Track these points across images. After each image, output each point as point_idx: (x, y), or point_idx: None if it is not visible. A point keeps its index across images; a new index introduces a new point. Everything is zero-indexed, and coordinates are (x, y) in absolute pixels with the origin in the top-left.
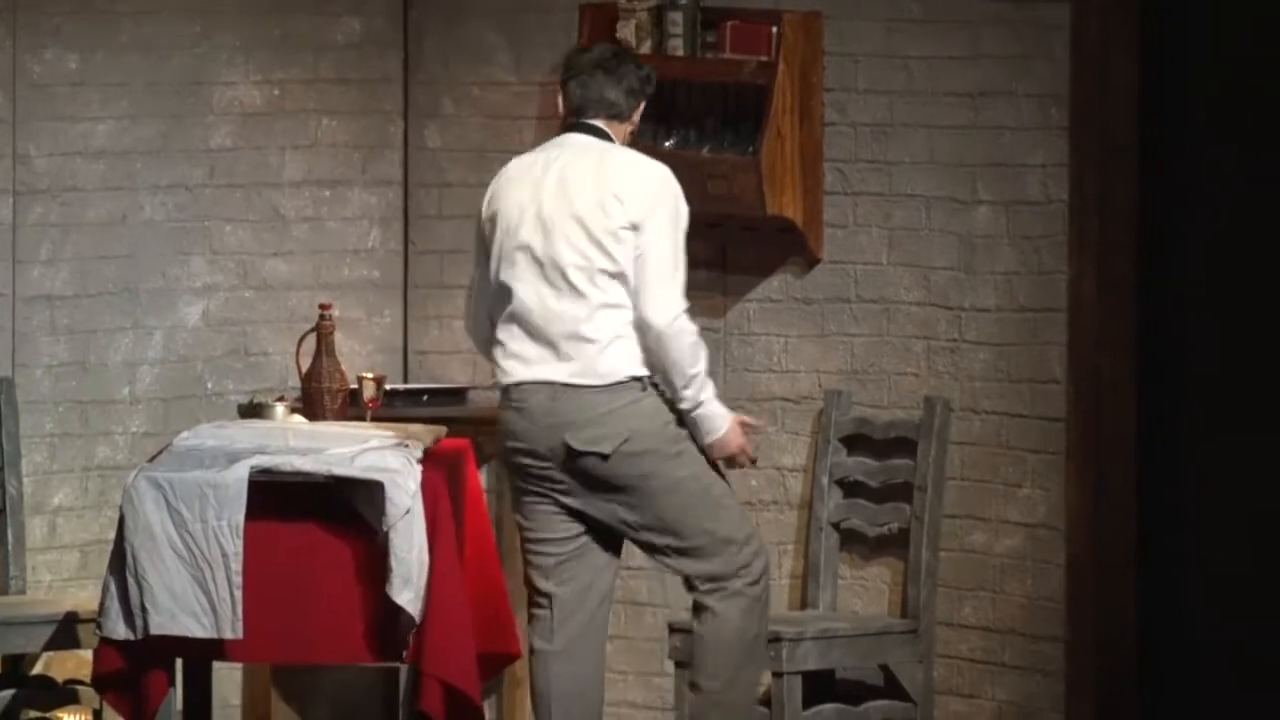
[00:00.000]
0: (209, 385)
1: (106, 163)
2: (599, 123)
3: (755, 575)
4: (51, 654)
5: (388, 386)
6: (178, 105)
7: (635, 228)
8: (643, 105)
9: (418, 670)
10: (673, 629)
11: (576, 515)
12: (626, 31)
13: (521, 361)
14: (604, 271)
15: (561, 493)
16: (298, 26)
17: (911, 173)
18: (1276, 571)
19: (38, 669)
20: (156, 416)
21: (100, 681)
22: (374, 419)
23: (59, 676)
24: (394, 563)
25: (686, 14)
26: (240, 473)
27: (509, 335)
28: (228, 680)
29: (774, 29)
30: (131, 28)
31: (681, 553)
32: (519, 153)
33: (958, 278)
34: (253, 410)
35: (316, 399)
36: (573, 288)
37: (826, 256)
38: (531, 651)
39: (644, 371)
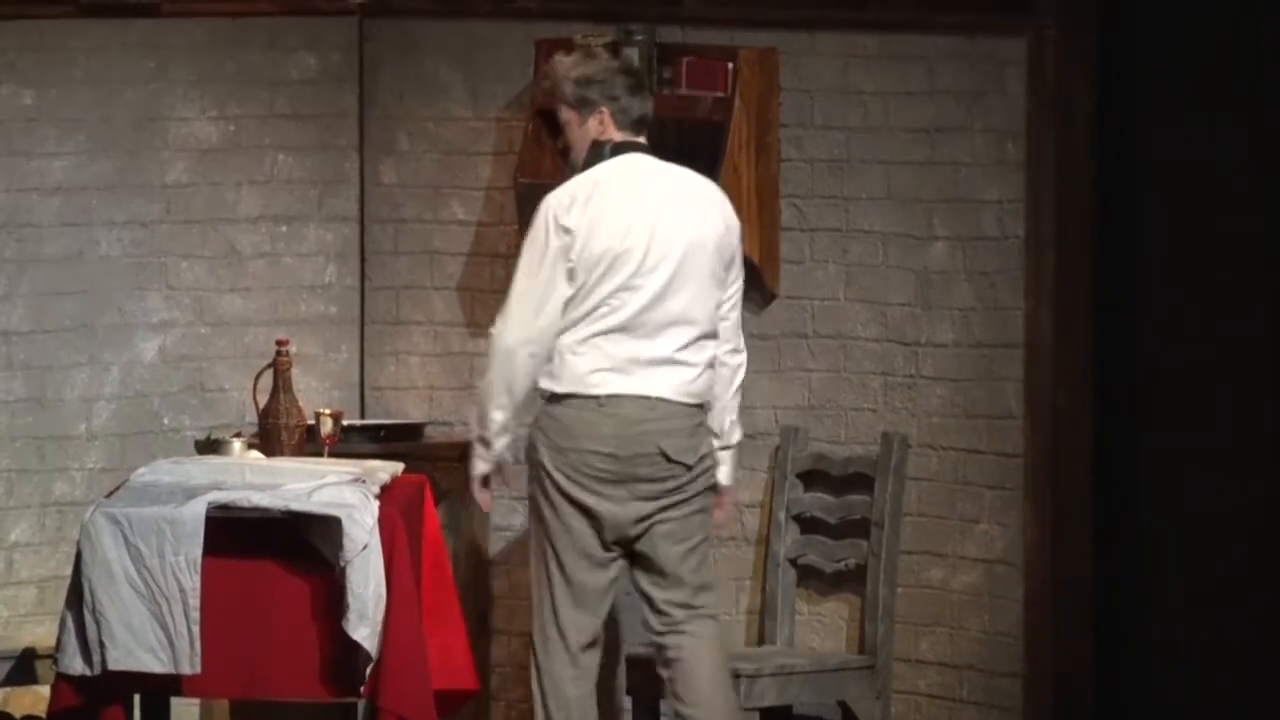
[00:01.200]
0: (165, 421)
1: (62, 198)
2: (643, 140)
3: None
4: (8, 690)
5: (345, 422)
6: (133, 141)
7: (733, 264)
8: None
9: (375, 706)
10: (631, 663)
11: (611, 537)
12: None
13: (620, 374)
14: (715, 303)
15: (622, 500)
16: (252, 61)
17: (868, 208)
18: (1234, 605)
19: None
20: (113, 452)
21: (57, 717)
22: (331, 454)
23: (16, 713)
24: (351, 598)
25: (642, 50)
26: (197, 508)
27: (604, 348)
28: (186, 715)
29: (730, 65)
30: (85, 63)
31: (680, 583)
32: (474, 188)
33: (914, 313)
34: (210, 446)
35: (274, 435)
36: (685, 313)
37: (783, 292)
38: (541, 674)
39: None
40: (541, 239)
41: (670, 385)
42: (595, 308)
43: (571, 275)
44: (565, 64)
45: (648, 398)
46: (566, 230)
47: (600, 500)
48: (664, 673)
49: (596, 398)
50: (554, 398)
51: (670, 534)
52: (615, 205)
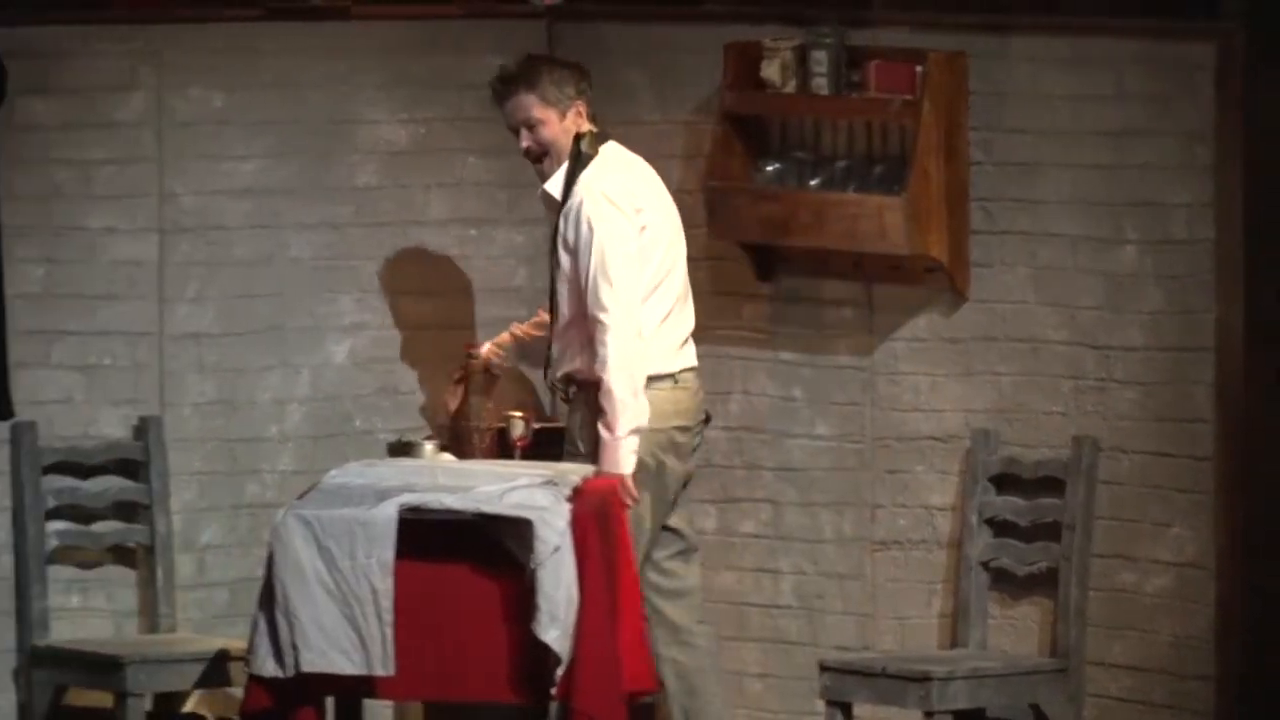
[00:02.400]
0: (357, 423)
1: (252, 201)
2: None
3: None
4: (201, 692)
5: (536, 424)
6: (322, 144)
7: None
8: None
9: (566, 708)
10: (823, 668)
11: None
12: (771, 70)
13: (678, 349)
14: None
15: (687, 465)
16: (441, 64)
17: (1057, 211)
18: None
19: (188, 707)
20: (305, 454)
21: (250, 719)
22: (522, 457)
23: (209, 715)
24: (541, 600)
25: (831, 53)
26: (389, 510)
27: (675, 328)
28: (379, 718)
29: (918, 68)
30: (275, 66)
31: (684, 529)
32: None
33: (1104, 316)
34: (401, 448)
35: (465, 437)
36: (685, 285)
37: (973, 295)
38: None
39: None
40: (621, 226)
41: (694, 353)
42: (656, 287)
43: (645, 258)
44: (530, 72)
45: (694, 368)
46: (639, 211)
47: (680, 467)
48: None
49: (672, 375)
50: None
51: (688, 487)
52: (648, 188)
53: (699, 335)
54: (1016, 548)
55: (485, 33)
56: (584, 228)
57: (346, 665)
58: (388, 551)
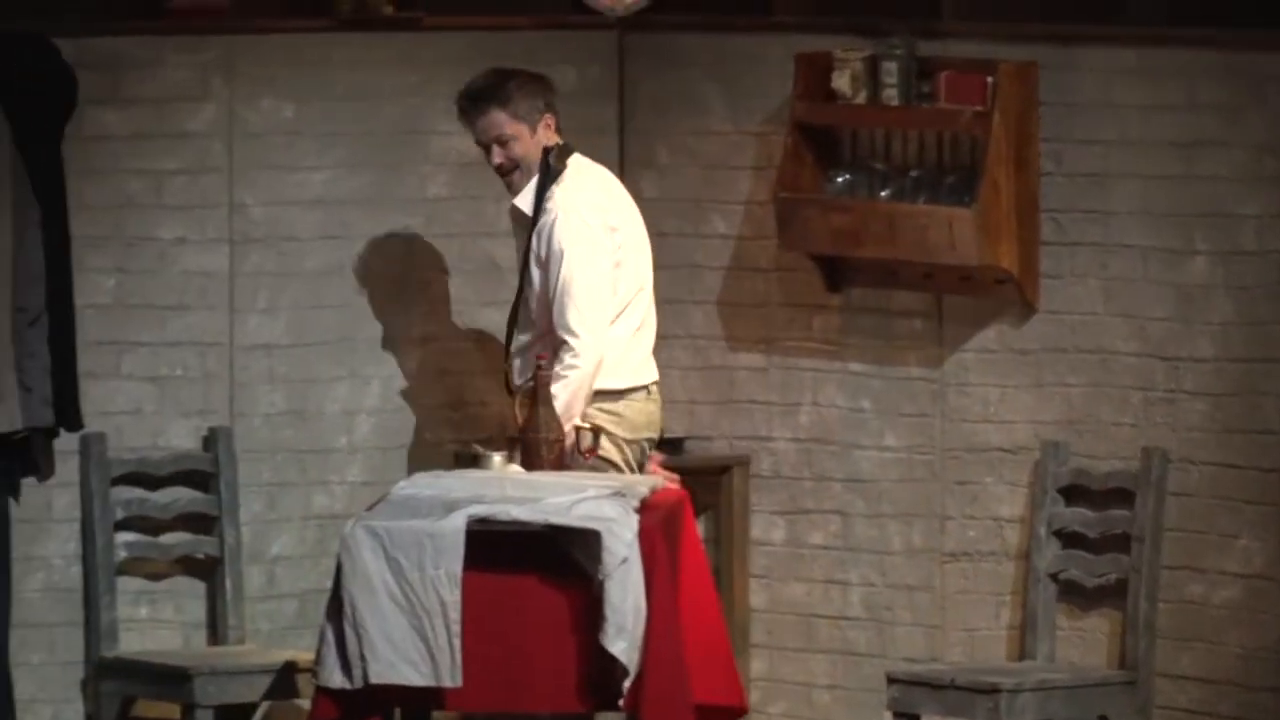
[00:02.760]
0: (426, 435)
1: (323, 212)
2: None
3: None
4: (270, 703)
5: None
6: (393, 154)
7: None
8: None
9: (634, 719)
10: (891, 679)
11: None
12: (841, 81)
13: (648, 361)
14: None
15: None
16: None
17: (1127, 223)
18: None
19: (256, 719)
20: (374, 465)
21: None
22: (591, 469)
23: None
24: (609, 612)
25: (901, 64)
26: (458, 522)
27: (647, 341)
28: None
29: (989, 79)
30: (347, 77)
31: None
32: (734, 202)
33: (1174, 328)
34: (470, 460)
35: (533, 448)
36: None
37: (1043, 306)
38: None
39: None
40: (595, 240)
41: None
42: (629, 302)
43: (619, 276)
44: (500, 87)
45: (658, 381)
46: (614, 230)
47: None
48: None
49: (646, 387)
50: (614, 394)
51: None
52: (619, 204)
53: (769, 346)
54: (1085, 559)
55: (556, 44)
56: (556, 246)
57: (414, 677)
58: (456, 563)
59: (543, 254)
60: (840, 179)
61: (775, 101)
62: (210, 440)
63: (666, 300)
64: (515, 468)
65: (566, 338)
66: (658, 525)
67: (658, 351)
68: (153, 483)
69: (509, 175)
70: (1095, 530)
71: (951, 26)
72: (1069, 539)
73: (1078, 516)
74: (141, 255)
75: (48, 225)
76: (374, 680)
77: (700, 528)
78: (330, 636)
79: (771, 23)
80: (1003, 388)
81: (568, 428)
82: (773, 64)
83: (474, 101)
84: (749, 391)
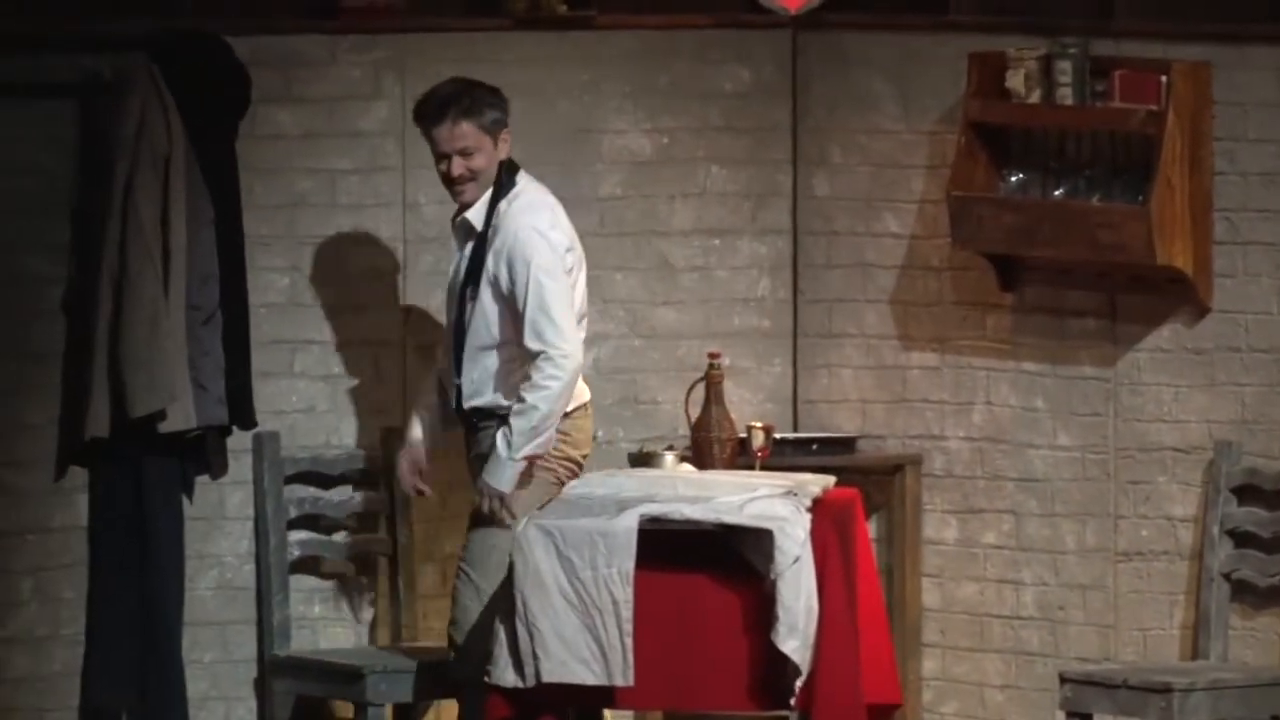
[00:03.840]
0: (599, 433)
1: None
2: None
3: None
4: (441, 703)
5: (777, 435)
6: (567, 153)
7: None
8: None
9: (806, 718)
10: (1064, 679)
11: None
12: (1015, 81)
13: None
14: None
15: None
16: (685, 73)
17: None
18: None
19: (429, 718)
20: None
21: None
22: (763, 468)
23: None
24: (781, 611)
25: (1075, 63)
26: (630, 521)
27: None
28: None
29: (1163, 78)
30: (518, 76)
31: None
32: (907, 201)
33: None
34: (642, 459)
35: (705, 448)
36: None
37: (1216, 306)
38: None
39: None
40: (560, 257)
41: None
42: (580, 319)
43: (573, 293)
44: (468, 97)
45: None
46: (570, 249)
47: None
48: None
49: (584, 405)
50: (566, 414)
51: None
52: (566, 221)
53: (942, 345)
54: (1258, 559)
55: (730, 43)
56: (520, 266)
57: (587, 675)
58: (628, 562)
59: (501, 273)
60: (1013, 178)
61: (948, 100)
62: (383, 439)
63: (838, 299)
64: (687, 466)
65: (547, 350)
66: (830, 525)
67: (830, 349)
68: (325, 481)
69: (462, 186)
70: (1268, 530)
71: (1124, 25)
72: (1242, 538)
73: (1250, 516)
74: (314, 254)
75: (221, 224)
76: (546, 679)
77: (872, 527)
78: (503, 635)
79: (945, 22)
80: (1176, 387)
81: (541, 440)
82: (946, 63)
83: (441, 110)
84: (922, 390)
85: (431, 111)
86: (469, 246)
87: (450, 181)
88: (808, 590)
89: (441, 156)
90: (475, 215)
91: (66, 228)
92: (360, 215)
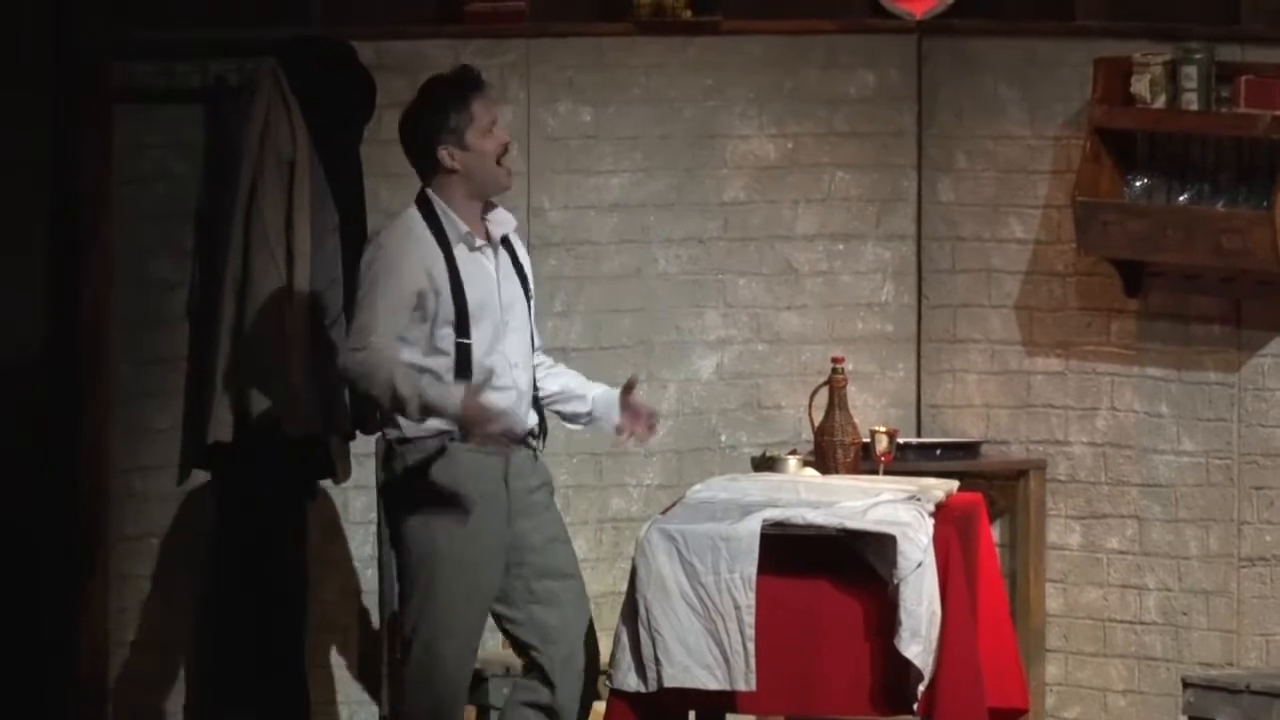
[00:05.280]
0: (722, 438)
1: (620, 216)
2: None
3: None
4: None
5: (900, 440)
6: (691, 158)
7: None
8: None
9: None
10: (1187, 684)
11: None
12: (1140, 86)
13: None
14: None
15: None
16: (810, 79)
17: None
18: None
19: None
20: (670, 468)
21: None
22: (886, 472)
23: None
24: (904, 615)
25: (1201, 68)
26: (752, 525)
27: None
28: None
29: None
30: (644, 81)
31: None
32: (1032, 206)
33: None
34: (765, 463)
35: (829, 452)
36: None
37: None
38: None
39: None
40: None
41: None
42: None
43: None
44: (463, 113)
45: None
46: None
47: None
48: None
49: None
50: None
51: None
52: None
53: (1066, 350)
54: None
55: (856, 48)
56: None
57: (709, 680)
58: (751, 566)
59: (527, 265)
60: (1138, 183)
61: (1073, 106)
62: None
63: (963, 304)
64: (810, 471)
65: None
66: (953, 530)
67: (954, 354)
68: None
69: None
70: None
71: (1250, 30)
72: None
73: None
74: None
75: (346, 229)
76: (668, 684)
77: (996, 532)
78: (625, 639)
79: (1071, 27)
80: None
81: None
82: (1071, 68)
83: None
84: (1046, 396)
85: (483, 81)
86: (501, 254)
87: (505, 153)
88: (930, 595)
89: (501, 138)
90: (498, 219)
91: (192, 233)
92: None
